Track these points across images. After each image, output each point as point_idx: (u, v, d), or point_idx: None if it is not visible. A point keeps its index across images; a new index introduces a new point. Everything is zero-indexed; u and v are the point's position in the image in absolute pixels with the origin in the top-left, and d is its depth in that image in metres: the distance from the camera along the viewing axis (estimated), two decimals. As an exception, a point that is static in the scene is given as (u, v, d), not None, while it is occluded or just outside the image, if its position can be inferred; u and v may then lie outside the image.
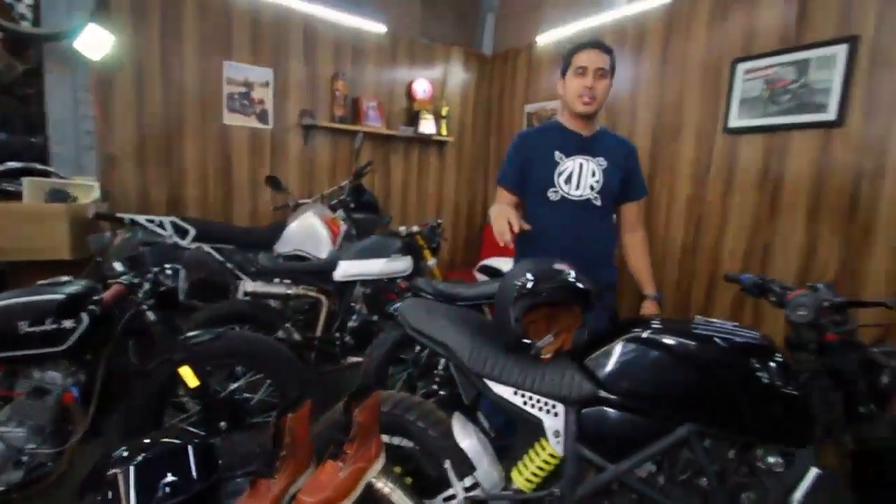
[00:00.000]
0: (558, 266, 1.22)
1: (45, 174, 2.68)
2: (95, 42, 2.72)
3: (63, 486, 1.56)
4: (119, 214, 2.63)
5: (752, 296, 1.34)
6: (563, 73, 1.72)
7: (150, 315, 1.68)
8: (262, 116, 3.39)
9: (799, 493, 1.03)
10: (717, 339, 1.10)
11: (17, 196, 2.47)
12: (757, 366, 1.06)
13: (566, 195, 1.70)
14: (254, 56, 3.30)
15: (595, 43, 1.67)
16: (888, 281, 2.09)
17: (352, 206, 3.28)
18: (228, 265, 2.81)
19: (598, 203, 1.70)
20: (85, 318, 1.55)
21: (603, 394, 1.17)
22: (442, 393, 2.17)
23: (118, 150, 2.97)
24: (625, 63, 3.19)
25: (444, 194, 4.45)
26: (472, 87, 4.45)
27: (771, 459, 1.05)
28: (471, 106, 4.48)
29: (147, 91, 3.02)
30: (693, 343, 1.11)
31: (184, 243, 2.67)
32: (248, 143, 3.38)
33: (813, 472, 1.03)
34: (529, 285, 1.20)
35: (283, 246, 3.02)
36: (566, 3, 3.67)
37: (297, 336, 2.33)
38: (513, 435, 1.43)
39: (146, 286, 1.66)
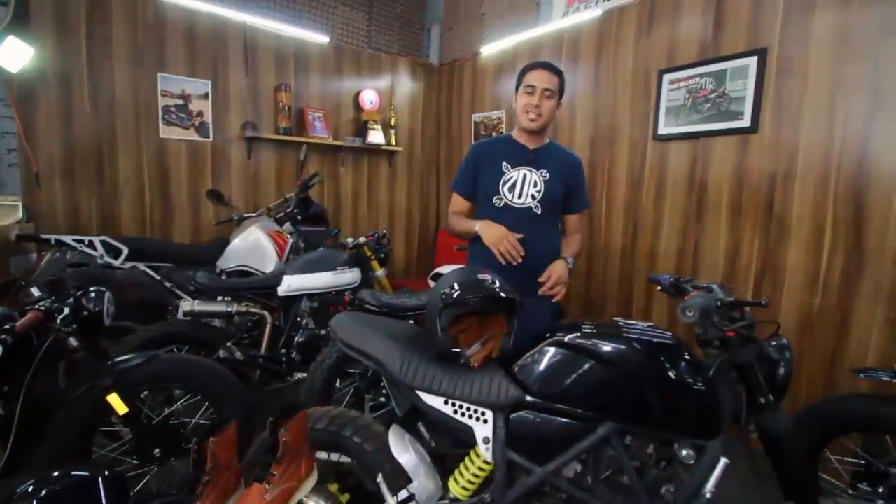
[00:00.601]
0: (482, 276, 1.25)
1: (-40, 195, 2.51)
2: (14, 54, 2.58)
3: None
4: (44, 235, 2.49)
5: (670, 295, 1.42)
6: (517, 90, 1.82)
7: (73, 341, 1.60)
8: (202, 129, 3.30)
9: (710, 483, 1.09)
10: (631, 341, 1.16)
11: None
12: (667, 364, 1.12)
13: (509, 202, 1.79)
14: (190, 67, 3.20)
15: (545, 64, 1.78)
16: (804, 274, 2.24)
17: (299, 218, 3.23)
18: (167, 284, 2.71)
19: (538, 211, 1.79)
20: (-2, 348, 1.45)
21: (529, 398, 1.20)
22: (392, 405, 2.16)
23: (44, 168, 2.81)
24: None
25: (396, 203, 4.45)
26: (420, 97, 4.49)
27: (684, 452, 1.11)
28: (420, 115, 4.52)
29: (75, 105, 2.88)
30: (608, 345, 1.16)
31: (116, 263, 2.55)
32: (187, 157, 3.28)
33: (722, 462, 1.09)
34: (455, 295, 1.22)
35: (227, 262, 2.94)
36: (507, 16, 3.77)
37: (239, 355, 2.27)
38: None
39: (66, 311, 1.58)
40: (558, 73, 1.78)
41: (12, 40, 2.56)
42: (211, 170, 3.38)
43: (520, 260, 1.66)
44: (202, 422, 1.95)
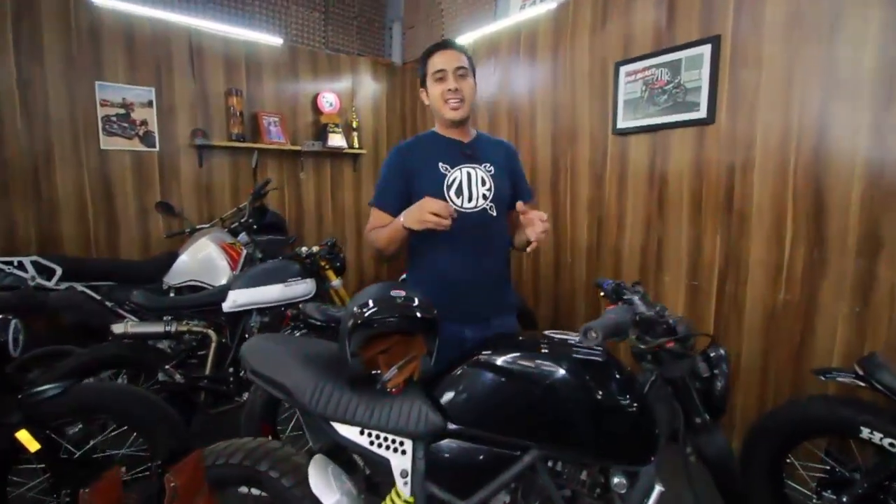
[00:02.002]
0: (395, 293, 1.14)
1: None
2: (-69, 66, 2.42)
3: None
4: (-34, 258, 2.35)
5: (612, 301, 1.31)
6: (423, 82, 1.58)
7: (-27, 376, 1.47)
8: (147, 139, 3.15)
9: (645, 512, 0.99)
10: (557, 358, 1.05)
11: None
12: (594, 383, 1.02)
13: (460, 209, 1.50)
14: (130, 74, 3.05)
15: (447, 43, 1.54)
16: (767, 268, 2.16)
17: (255, 228, 3.10)
18: (108, 304, 2.56)
19: (494, 213, 1.56)
20: None
21: (451, 425, 1.09)
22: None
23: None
24: (522, 68, 3.21)
25: (363, 208, 4.32)
26: (383, 98, 4.37)
27: (615, 480, 1.00)
28: (384, 116, 4.39)
29: (5, 117, 2.72)
30: (532, 363, 1.06)
31: (49, 284, 2.41)
32: (132, 169, 3.13)
33: (657, 489, 0.99)
34: (366, 314, 1.11)
35: (175, 277, 2.80)
36: (466, 11, 3.66)
37: (178, 377, 2.13)
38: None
39: (-39, 344, 1.44)
40: (463, 49, 1.54)
41: (-71, 51, 2.41)
42: (159, 181, 3.23)
43: (452, 218, 1.32)
44: (130, 453, 1.82)
